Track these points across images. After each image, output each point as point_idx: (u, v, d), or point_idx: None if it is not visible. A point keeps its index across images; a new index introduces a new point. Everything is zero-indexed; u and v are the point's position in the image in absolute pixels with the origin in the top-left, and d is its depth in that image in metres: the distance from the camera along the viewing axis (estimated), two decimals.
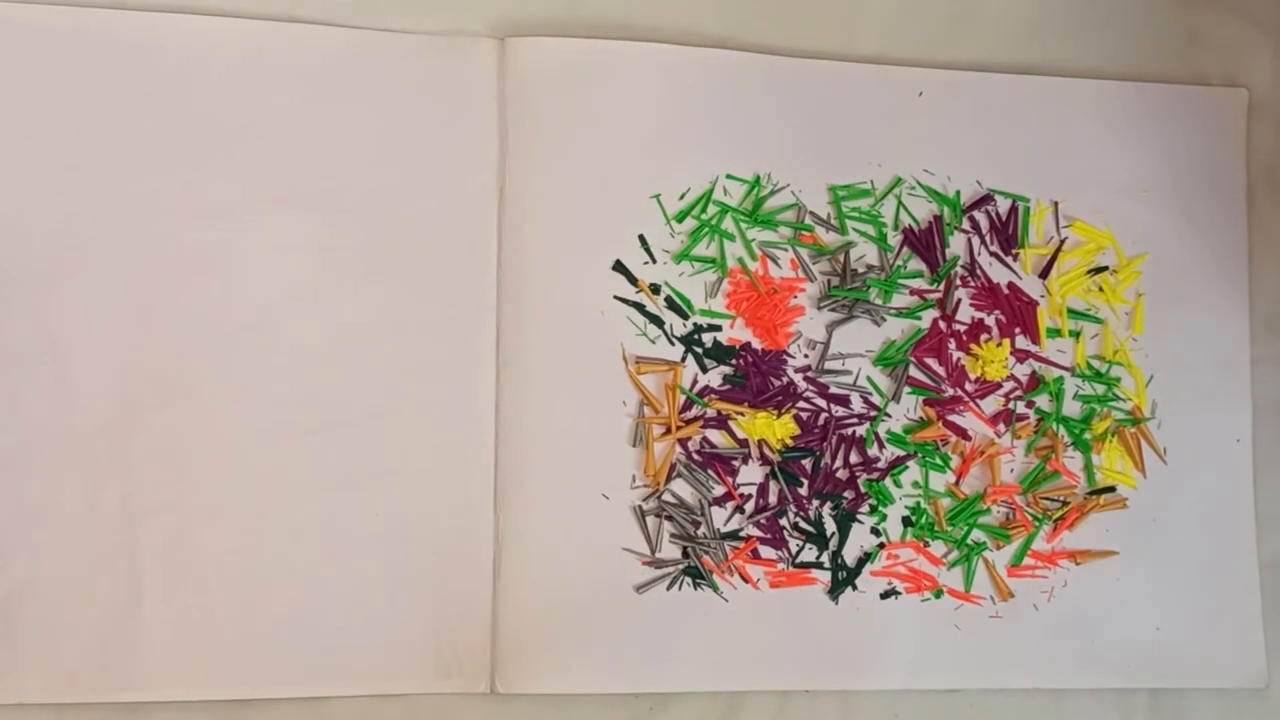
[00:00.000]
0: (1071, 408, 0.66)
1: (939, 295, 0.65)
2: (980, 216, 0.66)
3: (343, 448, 0.60)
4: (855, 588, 0.63)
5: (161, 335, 0.59)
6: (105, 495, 0.58)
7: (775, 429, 0.63)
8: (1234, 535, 0.67)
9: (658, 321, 0.63)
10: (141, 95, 0.59)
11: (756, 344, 0.63)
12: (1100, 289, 0.67)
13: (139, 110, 0.59)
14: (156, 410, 0.58)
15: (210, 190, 0.59)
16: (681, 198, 0.63)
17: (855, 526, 0.63)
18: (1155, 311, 0.67)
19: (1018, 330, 0.66)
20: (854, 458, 0.64)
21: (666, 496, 0.62)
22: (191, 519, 0.58)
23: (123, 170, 0.59)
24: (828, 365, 0.64)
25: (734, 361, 0.63)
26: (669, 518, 0.62)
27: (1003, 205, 0.66)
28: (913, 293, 0.65)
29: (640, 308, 0.63)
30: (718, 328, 0.63)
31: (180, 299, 0.59)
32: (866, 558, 0.63)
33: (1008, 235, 0.66)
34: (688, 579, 0.62)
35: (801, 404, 0.63)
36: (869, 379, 0.64)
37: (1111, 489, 0.66)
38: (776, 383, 0.63)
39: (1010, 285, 0.66)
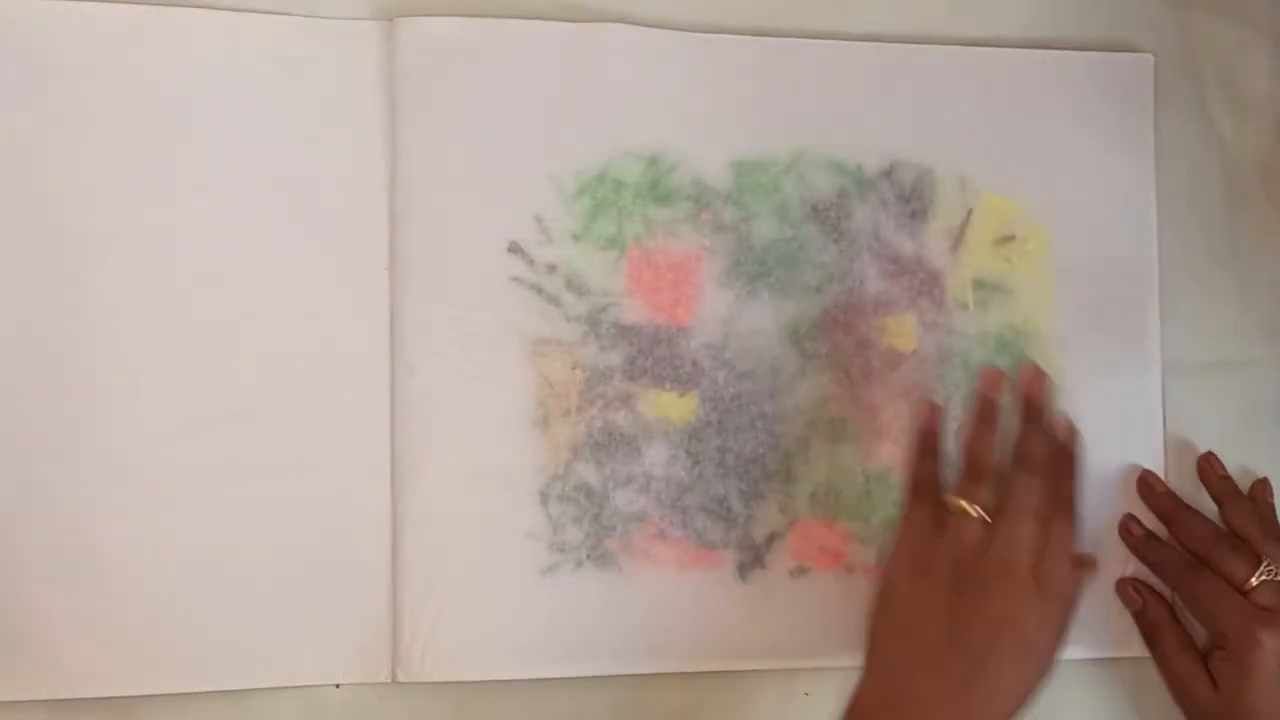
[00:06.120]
0: None
1: (845, 269, 0.64)
2: (886, 189, 0.65)
3: (235, 438, 0.59)
4: (764, 566, 0.62)
5: (46, 327, 0.58)
6: None
7: (679, 408, 0.62)
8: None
9: (556, 302, 0.62)
10: (12, 80, 0.58)
11: (659, 322, 0.63)
12: (1009, 260, 0.66)
13: (12, 96, 0.58)
14: (44, 403, 0.57)
15: (95, 178, 0.58)
16: (578, 176, 0.62)
17: (763, 505, 0.63)
18: (1065, 281, 0.66)
19: (925, 302, 0.65)
20: (760, 434, 0.63)
21: (569, 479, 0.61)
22: (81, 514, 0.57)
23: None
24: (732, 342, 0.63)
25: (636, 340, 0.62)
26: (572, 501, 0.61)
27: (909, 177, 0.65)
28: (817, 267, 0.64)
29: (538, 289, 0.62)
30: (619, 306, 0.62)
31: (66, 289, 0.58)
32: (775, 536, 0.63)
33: (914, 207, 0.65)
34: (592, 562, 0.61)
35: (706, 382, 0.63)
36: (774, 354, 0.63)
37: None
38: (680, 361, 0.63)
39: (917, 257, 0.65)
